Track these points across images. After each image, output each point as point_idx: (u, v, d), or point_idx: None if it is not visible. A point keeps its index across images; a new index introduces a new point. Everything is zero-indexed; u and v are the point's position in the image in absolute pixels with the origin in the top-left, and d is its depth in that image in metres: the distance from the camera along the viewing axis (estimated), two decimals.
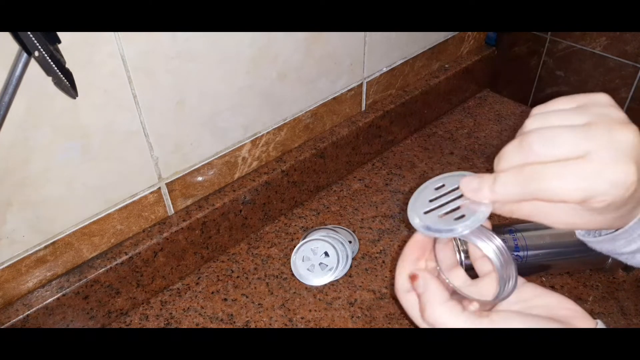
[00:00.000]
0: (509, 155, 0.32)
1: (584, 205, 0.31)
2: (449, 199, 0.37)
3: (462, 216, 0.35)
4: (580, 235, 0.42)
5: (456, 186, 0.37)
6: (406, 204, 0.95)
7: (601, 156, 0.29)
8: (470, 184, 0.34)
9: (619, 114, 0.32)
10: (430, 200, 0.37)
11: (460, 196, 0.36)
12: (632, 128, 0.30)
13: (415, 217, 0.37)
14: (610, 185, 0.29)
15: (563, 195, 0.30)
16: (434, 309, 0.33)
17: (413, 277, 0.35)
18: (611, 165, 0.29)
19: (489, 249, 0.38)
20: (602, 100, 0.33)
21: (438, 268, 0.37)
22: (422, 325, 0.36)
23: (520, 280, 0.38)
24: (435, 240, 0.38)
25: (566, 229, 0.36)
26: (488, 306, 0.36)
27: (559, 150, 0.30)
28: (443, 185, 0.38)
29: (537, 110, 0.35)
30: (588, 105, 0.33)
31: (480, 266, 0.40)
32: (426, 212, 0.37)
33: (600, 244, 0.40)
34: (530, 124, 0.33)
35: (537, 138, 0.31)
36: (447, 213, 0.36)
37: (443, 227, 0.35)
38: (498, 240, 0.38)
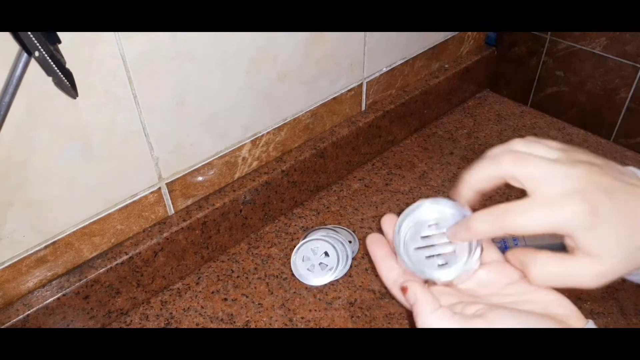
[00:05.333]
0: (480, 168, 0.37)
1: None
2: (439, 242, 0.40)
3: (446, 263, 0.39)
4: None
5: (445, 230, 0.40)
6: (406, 204, 0.94)
7: (558, 191, 0.33)
8: (452, 230, 0.39)
9: (584, 155, 0.35)
10: (422, 237, 0.40)
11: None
12: (584, 167, 0.34)
13: (404, 254, 0.39)
14: (570, 218, 0.32)
15: (529, 229, 0.34)
16: (425, 318, 0.36)
17: (403, 290, 0.38)
18: (565, 200, 0.32)
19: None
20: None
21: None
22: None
23: (520, 273, 0.38)
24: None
25: None
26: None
27: (525, 173, 0.34)
28: (436, 224, 0.40)
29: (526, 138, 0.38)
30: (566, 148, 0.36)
31: None
32: (416, 249, 0.40)
33: None
34: (513, 144, 0.37)
35: (510, 157, 0.35)
36: (434, 256, 0.39)
37: (428, 271, 0.38)
38: None
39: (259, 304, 0.70)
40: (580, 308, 0.36)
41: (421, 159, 0.94)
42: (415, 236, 0.40)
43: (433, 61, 0.98)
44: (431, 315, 0.35)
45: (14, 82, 0.45)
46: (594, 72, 0.92)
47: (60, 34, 0.45)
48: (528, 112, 1.02)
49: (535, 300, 0.36)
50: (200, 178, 0.71)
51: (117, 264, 0.64)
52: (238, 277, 0.73)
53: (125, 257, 0.65)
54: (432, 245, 0.39)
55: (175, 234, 0.69)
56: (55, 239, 0.60)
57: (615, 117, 0.93)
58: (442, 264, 0.39)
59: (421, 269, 0.38)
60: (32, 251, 0.59)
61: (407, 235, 0.40)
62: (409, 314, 0.38)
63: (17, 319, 0.59)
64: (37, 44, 0.42)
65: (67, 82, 0.46)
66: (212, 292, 0.71)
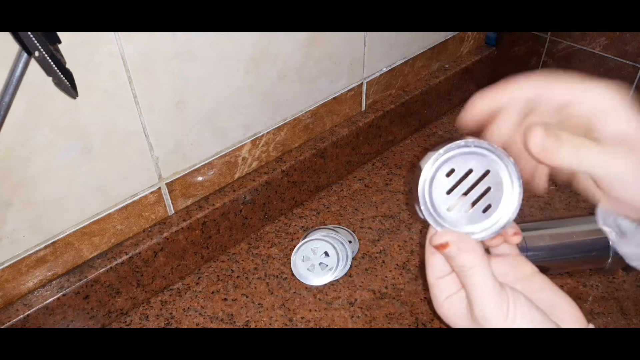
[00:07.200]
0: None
1: None
2: (469, 186, 0.34)
3: (489, 206, 0.34)
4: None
5: (469, 169, 0.35)
6: (406, 204, 0.94)
7: None
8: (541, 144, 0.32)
9: None
10: (448, 192, 0.35)
11: (481, 178, 0.34)
12: None
13: (443, 222, 0.34)
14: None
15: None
16: (485, 303, 0.33)
17: (442, 246, 0.33)
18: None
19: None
20: None
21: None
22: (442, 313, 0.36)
23: (533, 269, 0.38)
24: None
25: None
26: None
27: None
28: (453, 170, 0.35)
29: None
30: None
31: None
32: (449, 210, 0.35)
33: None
34: None
35: None
36: (472, 204, 0.34)
37: (480, 228, 0.34)
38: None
39: (259, 304, 0.70)
40: (580, 308, 0.36)
41: (421, 159, 0.93)
42: (440, 196, 0.35)
43: (433, 61, 0.98)
44: (491, 301, 0.33)
45: (14, 82, 0.45)
46: (594, 72, 0.92)
47: (60, 34, 0.45)
48: None
49: (543, 299, 0.36)
50: (200, 178, 0.71)
51: (117, 264, 0.64)
52: (238, 277, 0.73)
53: (125, 257, 0.65)
54: (464, 194, 0.35)
55: (175, 234, 0.69)
56: (55, 239, 0.60)
57: None
58: (486, 208, 0.35)
59: (475, 232, 0.34)
60: (32, 251, 0.59)
61: (432, 201, 0.35)
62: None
63: (17, 319, 0.59)
64: (37, 44, 0.42)
65: (67, 82, 0.46)
66: (212, 292, 0.71)
